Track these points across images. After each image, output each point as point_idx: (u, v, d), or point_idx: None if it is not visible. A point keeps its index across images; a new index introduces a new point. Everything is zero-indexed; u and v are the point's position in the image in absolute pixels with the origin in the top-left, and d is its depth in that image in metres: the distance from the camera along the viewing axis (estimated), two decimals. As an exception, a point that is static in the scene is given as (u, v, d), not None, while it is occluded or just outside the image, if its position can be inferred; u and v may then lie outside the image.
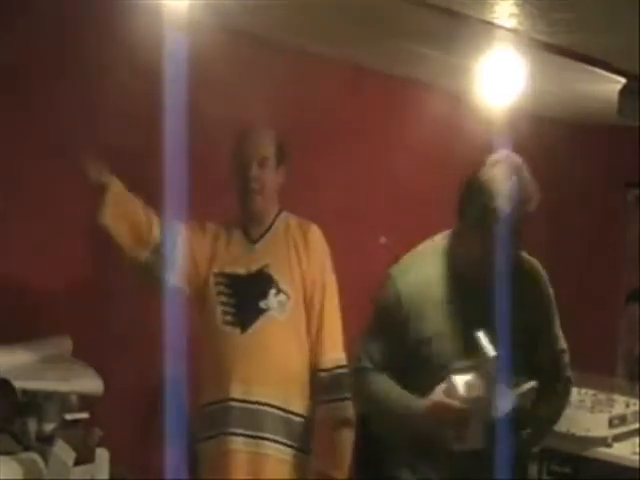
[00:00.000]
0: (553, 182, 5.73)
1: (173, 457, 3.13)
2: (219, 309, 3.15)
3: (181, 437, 3.08)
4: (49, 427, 2.80)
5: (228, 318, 3.14)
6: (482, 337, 2.49)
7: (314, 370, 3.18)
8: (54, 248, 3.41)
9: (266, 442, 3.11)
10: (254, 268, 3.18)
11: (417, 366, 2.66)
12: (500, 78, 3.78)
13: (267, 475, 3.11)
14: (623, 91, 4.22)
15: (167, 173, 3.04)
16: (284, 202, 3.39)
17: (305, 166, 4.35)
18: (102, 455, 2.73)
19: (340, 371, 3.16)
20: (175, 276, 3.08)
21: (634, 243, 6.01)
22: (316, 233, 3.28)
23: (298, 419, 3.16)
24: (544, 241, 5.83)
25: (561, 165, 5.58)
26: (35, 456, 2.68)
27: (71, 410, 2.84)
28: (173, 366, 3.12)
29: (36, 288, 3.31)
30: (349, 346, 3.22)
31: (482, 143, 4.64)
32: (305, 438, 3.17)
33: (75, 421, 2.71)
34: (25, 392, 2.82)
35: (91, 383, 3.02)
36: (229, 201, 3.30)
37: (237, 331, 3.13)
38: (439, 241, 2.87)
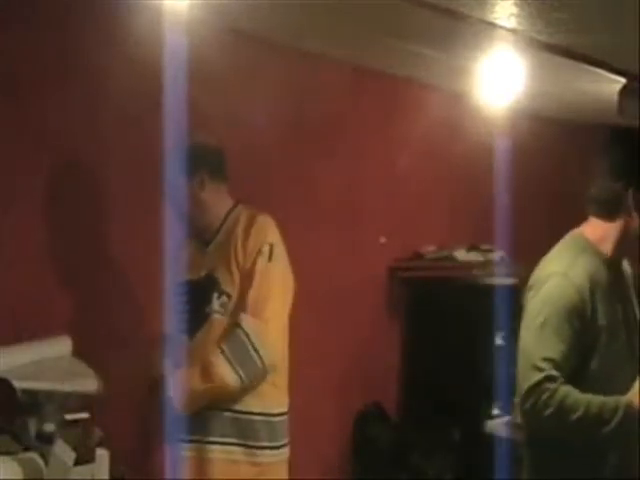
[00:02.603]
0: (553, 182, 5.75)
1: (173, 457, 3.13)
2: (173, 318, 3.13)
3: (181, 437, 3.08)
4: (49, 427, 2.80)
5: (180, 326, 3.11)
6: None
7: None
8: (54, 248, 3.40)
9: (211, 445, 3.05)
10: (203, 273, 3.13)
11: (596, 364, 2.50)
12: (500, 78, 3.78)
13: (215, 477, 3.05)
14: (623, 91, 4.23)
15: (167, 172, 3.04)
16: (284, 202, 3.38)
17: (305, 166, 4.35)
18: (102, 455, 2.73)
19: (235, 328, 3.00)
20: None
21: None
22: (261, 222, 3.10)
23: (250, 417, 3.08)
24: (544, 241, 5.83)
25: (561, 165, 5.58)
26: (35, 456, 2.68)
27: (71, 410, 2.83)
28: (173, 365, 3.12)
29: (37, 288, 3.31)
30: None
31: (482, 143, 4.66)
32: (262, 434, 3.08)
33: (75, 421, 2.70)
34: (25, 392, 2.82)
35: (91, 383, 3.01)
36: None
37: (186, 338, 3.10)
38: (581, 233, 2.65)
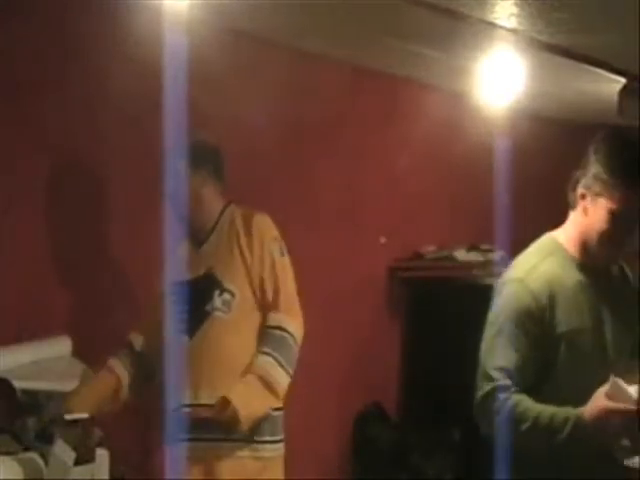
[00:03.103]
0: (553, 182, 5.74)
1: (173, 457, 3.13)
2: (170, 319, 3.13)
3: (181, 437, 3.08)
4: (49, 427, 2.80)
5: (180, 326, 3.11)
6: None
7: None
8: (54, 248, 3.40)
9: (219, 442, 3.06)
10: (201, 272, 3.14)
11: (555, 374, 2.38)
12: (500, 78, 3.78)
13: (225, 476, 3.07)
14: (623, 91, 4.23)
15: (167, 172, 3.04)
16: (284, 202, 3.38)
17: (305, 166, 4.35)
18: (102, 455, 2.73)
19: (279, 332, 3.09)
20: None
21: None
22: (260, 221, 3.17)
23: None
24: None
25: (561, 165, 5.58)
26: (35, 456, 2.68)
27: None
28: (173, 366, 3.12)
29: (36, 288, 3.31)
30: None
31: (482, 143, 4.66)
32: (264, 429, 3.10)
33: (75, 421, 2.70)
34: (25, 392, 2.82)
35: (91, 383, 3.01)
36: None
37: (186, 338, 3.11)
38: (553, 235, 2.53)
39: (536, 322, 2.36)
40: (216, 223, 3.19)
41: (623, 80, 4.21)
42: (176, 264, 3.13)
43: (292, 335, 3.10)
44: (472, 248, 5.01)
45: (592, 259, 2.44)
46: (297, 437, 3.28)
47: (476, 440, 4.42)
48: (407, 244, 4.94)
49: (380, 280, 4.84)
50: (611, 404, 2.20)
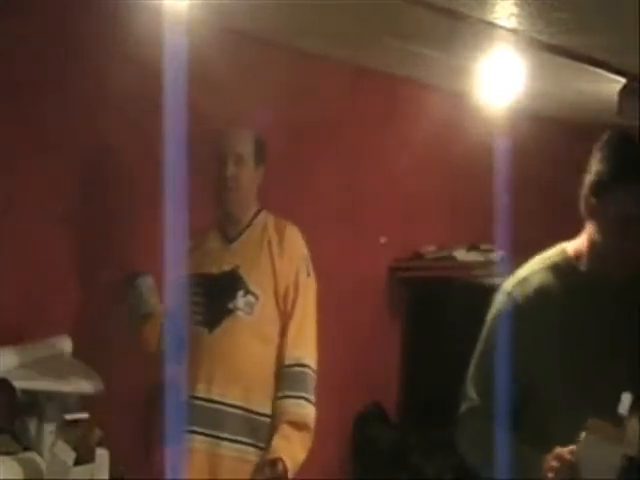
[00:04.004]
0: (553, 182, 5.74)
1: (173, 457, 3.13)
2: (191, 309, 3.15)
3: (180, 437, 3.08)
4: (49, 427, 2.80)
5: (198, 318, 3.15)
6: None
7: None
8: (54, 248, 3.40)
9: (224, 442, 3.09)
10: (227, 268, 3.18)
11: (536, 403, 2.18)
12: (500, 78, 3.78)
13: (225, 475, 3.09)
14: (623, 91, 4.23)
15: (167, 172, 3.04)
16: (284, 202, 3.38)
17: (305, 166, 4.35)
18: (102, 455, 2.73)
19: (299, 369, 3.15)
20: None
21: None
22: (293, 233, 3.25)
23: (262, 419, 3.13)
24: (544, 241, 5.83)
25: (561, 165, 5.58)
26: (35, 456, 2.68)
27: (71, 410, 2.83)
28: (173, 366, 3.12)
29: (36, 288, 3.31)
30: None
31: (482, 143, 4.65)
32: (267, 436, 3.12)
33: (75, 421, 2.70)
34: (25, 392, 2.82)
35: (91, 383, 3.02)
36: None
37: (205, 331, 3.14)
38: (563, 246, 2.30)
39: (521, 341, 2.15)
40: (249, 224, 3.23)
41: (623, 80, 4.21)
42: (176, 264, 3.13)
43: (310, 367, 3.17)
44: (472, 248, 5.01)
45: (603, 272, 2.20)
46: (297, 437, 3.28)
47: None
48: (407, 244, 4.94)
49: (380, 280, 4.83)
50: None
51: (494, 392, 2.16)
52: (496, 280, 4.76)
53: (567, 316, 2.18)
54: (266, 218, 3.25)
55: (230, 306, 3.13)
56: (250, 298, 3.13)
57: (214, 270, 3.19)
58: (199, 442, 3.10)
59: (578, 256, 2.24)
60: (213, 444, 3.09)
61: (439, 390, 4.69)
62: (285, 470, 3.02)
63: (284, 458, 3.02)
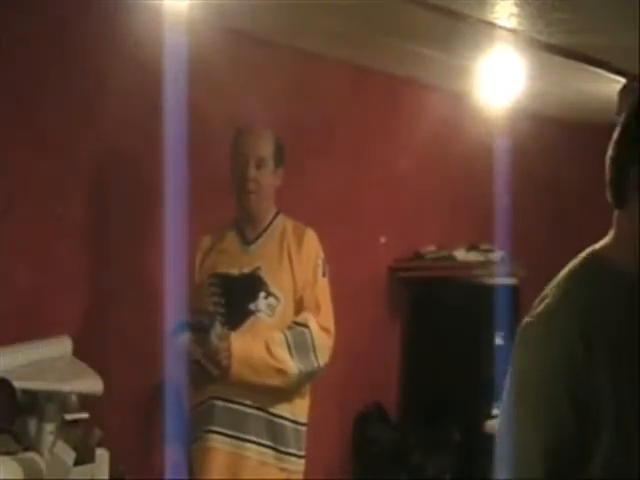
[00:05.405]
0: (553, 182, 5.75)
1: (173, 457, 3.14)
2: (211, 309, 3.15)
3: (181, 437, 3.09)
4: (49, 427, 2.80)
5: (219, 318, 3.15)
6: None
7: None
8: (54, 248, 3.40)
9: (247, 444, 3.09)
10: (247, 270, 3.18)
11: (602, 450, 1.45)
12: (500, 78, 3.78)
13: (247, 476, 3.09)
14: (623, 91, 4.23)
15: (167, 173, 3.04)
16: (284, 202, 3.38)
17: (305, 166, 4.35)
18: (102, 455, 2.73)
19: (300, 328, 3.15)
20: None
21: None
22: (311, 237, 3.27)
23: (283, 422, 3.14)
24: (544, 241, 5.84)
25: (561, 165, 5.58)
26: (35, 456, 2.68)
27: (71, 410, 2.83)
28: (173, 366, 3.13)
29: (36, 288, 3.31)
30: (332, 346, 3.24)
31: (482, 143, 4.66)
32: (292, 441, 3.15)
33: (75, 421, 2.70)
34: (25, 392, 2.82)
35: (91, 383, 3.01)
36: (229, 201, 3.30)
37: (227, 330, 3.12)
38: (595, 249, 1.64)
39: (571, 378, 1.49)
40: (268, 227, 3.25)
41: (623, 80, 4.22)
42: (177, 263, 3.13)
43: (311, 333, 3.13)
44: (472, 248, 5.01)
45: None
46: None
47: (476, 440, 4.46)
48: (407, 244, 4.94)
49: (380, 280, 4.84)
50: None
51: (560, 449, 1.50)
52: (496, 280, 4.78)
53: (628, 330, 1.53)
54: (284, 221, 3.28)
55: (252, 307, 3.14)
56: (272, 300, 3.14)
57: (234, 271, 3.19)
58: (221, 442, 3.10)
59: (620, 257, 1.60)
60: (235, 445, 3.10)
61: (439, 390, 4.70)
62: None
63: (235, 347, 3.05)
